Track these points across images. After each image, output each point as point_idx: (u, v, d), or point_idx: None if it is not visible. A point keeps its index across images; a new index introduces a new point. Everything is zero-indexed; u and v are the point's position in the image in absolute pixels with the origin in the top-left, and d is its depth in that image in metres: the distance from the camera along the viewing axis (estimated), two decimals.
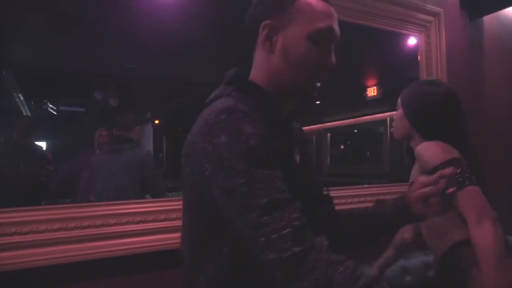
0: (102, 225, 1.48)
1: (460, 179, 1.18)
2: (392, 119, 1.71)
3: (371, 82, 4.10)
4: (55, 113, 2.74)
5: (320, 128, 3.98)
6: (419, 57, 2.73)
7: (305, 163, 0.97)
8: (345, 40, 2.62)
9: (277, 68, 0.88)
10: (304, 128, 3.17)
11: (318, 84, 0.90)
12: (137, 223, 1.56)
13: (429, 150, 1.30)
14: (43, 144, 2.33)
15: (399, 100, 1.50)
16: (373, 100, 4.02)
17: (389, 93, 3.82)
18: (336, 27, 0.90)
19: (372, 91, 4.04)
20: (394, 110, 1.56)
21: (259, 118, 0.80)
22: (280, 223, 0.68)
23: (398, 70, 3.26)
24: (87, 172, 2.09)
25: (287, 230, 0.67)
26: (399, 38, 2.72)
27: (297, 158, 0.93)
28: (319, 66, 0.87)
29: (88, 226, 1.46)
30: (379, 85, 4.02)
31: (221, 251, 0.79)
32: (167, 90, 2.96)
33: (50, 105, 2.73)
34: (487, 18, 3.21)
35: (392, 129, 1.55)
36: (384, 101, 3.95)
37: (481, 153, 2.09)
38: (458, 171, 1.18)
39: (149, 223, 1.59)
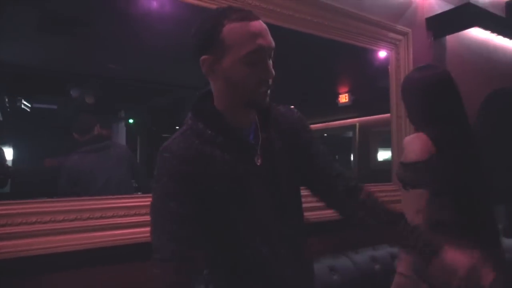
0: (108, 217, 1.61)
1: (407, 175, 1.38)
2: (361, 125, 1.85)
3: (343, 89, 4.30)
4: (28, 110, 2.74)
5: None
6: (389, 69, 2.98)
7: (270, 162, 1.04)
8: (323, 52, 2.79)
9: (225, 91, 1.00)
10: None
11: (266, 91, 0.98)
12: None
13: (411, 145, 1.41)
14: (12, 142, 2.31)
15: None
16: (345, 106, 4.17)
17: (359, 101, 4.02)
18: (265, 41, 0.95)
19: (344, 98, 4.22)
20: (364, 116, 1.72)
21: (206, 136, 0.97)
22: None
23: (370, 80, 3.48)
24: (71, 170, 2.12)
25: None
26: (373, 52, 2.96)
27: (258, 160, 1.01)
28: (259, 81, 0.96)
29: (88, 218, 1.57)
30: (350, 92, 4.23)
31: None
32: (145, 91, 2.95)
33: (24, 102, 2.73)
34: (449, 37, 3.51)
35: None
36: (355, 108, 4.13)
37: None
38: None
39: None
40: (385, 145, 3.41)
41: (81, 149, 2.13)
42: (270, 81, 0.98)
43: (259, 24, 0.95)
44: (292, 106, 1.21)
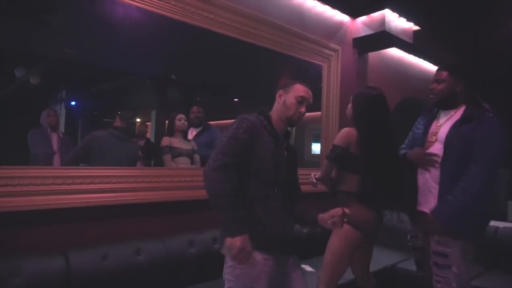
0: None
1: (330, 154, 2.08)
2: None
3: None
4: None
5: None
6: (322, 79, 3.70)
7: (290, 158, 1.77)
8: (274, 63, 3.34)
9: (280, 110, 1.77)
10: (219, 122, 3.49)
11: (297, 118, 1.76)
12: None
13: (342, 133, 2.11)
14: None
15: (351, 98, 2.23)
16: None
17: None
18: (307, 97, 1.78)
19: None
20: None
21: (263, 127, 1.68)
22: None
23: (306, 82, 4.09)
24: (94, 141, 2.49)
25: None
26: (311, 66, 3.63)
27: (285, 153, 1.75)
28: (296, 111, 1.75)
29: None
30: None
31: None
32: (91, 76, 2.94)
33: None
34: (371, 54, 4.33)
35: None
36: None
37: None
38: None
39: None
40: (318, 140, 3.96)
41: (110, 130, 2.59)
42: (301, 117, 1.78)
43: (309, 90, 1.82)
44: None
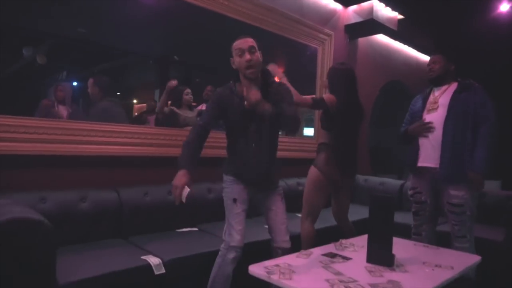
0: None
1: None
2: None
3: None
4: None
5: None
6: (317, 61, 4.21)
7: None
8: (269, 44, 3.77)
9: (240, 73, 1.99)
10: None
11: (247, 68, 1.91)
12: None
13: (327, 94, 2.55)
14: None
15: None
16: None
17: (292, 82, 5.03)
18: (243, 46, 1.90)
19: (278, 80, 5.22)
20: None
21: (231, 92, 2.00)
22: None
23: (303, 66, 4.53)
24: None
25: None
26: (308, 48, 4.14)
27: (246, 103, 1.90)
28: (242, 63, 1.92)
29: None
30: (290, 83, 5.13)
31: None
32: (93, 55, 2.89)
33: None
34: (361, 40, 4.84)
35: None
36: None
37: None
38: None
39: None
40: (310, 124, 4.43)
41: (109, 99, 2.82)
42: (251, 63, 1.91)
43: (245, 39, 1.95)
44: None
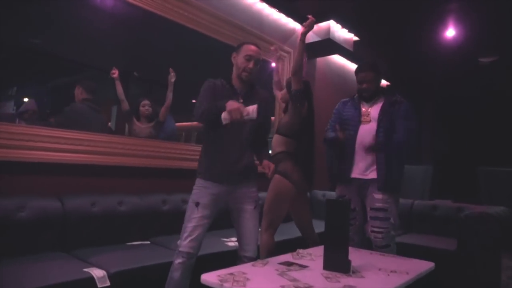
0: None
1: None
2: None
3: None
4: None
5: (189, 126, 4.04)
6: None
7: (246, 105, 1.85)
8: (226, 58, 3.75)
9: (235, 70, 2.08)
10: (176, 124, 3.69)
11: (246, 73, 2.04)
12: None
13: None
14: None
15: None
16: None
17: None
18: (254, 54, 2.04)
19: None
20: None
21: (222, 87, 2.04)
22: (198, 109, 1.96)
23: (264, 83, 4.57)
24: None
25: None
26: (268, 64, 4.16)
27: (240, 100, 1.97)
28: (245, 67, 2.03)
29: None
30: None
31: None
32: (50, 68, 2.69)
33: None
34: (319, 59, 4.99)
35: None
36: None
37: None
38: None
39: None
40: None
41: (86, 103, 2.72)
42: (252, 72, 2.04)
43: (256, 47, 2.08)
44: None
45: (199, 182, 2.05)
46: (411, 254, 2.26)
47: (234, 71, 2.10)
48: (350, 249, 1.81)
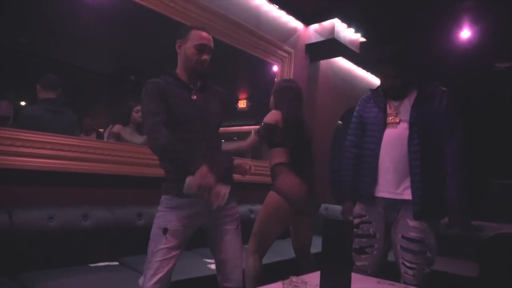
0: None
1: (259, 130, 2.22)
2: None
3: (242, 95, 4.70)
4: None
5: None
6: (277, 78, 3.92)
7: (202, 100, 1.68)
8: (227, 59, 3.48)
9: (183, 62, 1.70)
10: None
11: (200, 67, 1.68)
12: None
13: (270, 114, 2.25)
14: None
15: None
16: (242, 111, 4.60)
17: (255, 107, 4.47)
18: (208, 43, 1.69)
19: (242, 104, 4.66)
20: (259, 124, 2.42)
21: (169, 85, 1.64)
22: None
23: (263, 88, 4.24)
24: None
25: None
26: (266, 65, 3.85)
27: (194, 96, 1.68)
28: (198, 59, 1.67)
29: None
30: (248, 99, 4.66)
31: None
32: (50, 71, 2.55)
33: None
34: (323, 62, 4.65)
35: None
36: (251, 113, 4.52)
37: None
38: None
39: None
40: None
41: (41, 105, 2.36)
42: (205, 64, 1.70)
43: (208, 35, 1.72)
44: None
45: (165, 199, 1.63)
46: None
47: (182, 63, 1.72)
48: (354, 276, 1.43)
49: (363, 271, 2.06)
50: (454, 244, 3.11)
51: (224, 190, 1.45)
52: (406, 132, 1.96)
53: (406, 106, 2.02)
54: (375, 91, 2.19)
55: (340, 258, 1.42)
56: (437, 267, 2.69)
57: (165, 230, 1.55)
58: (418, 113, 1.96)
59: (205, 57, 1.68)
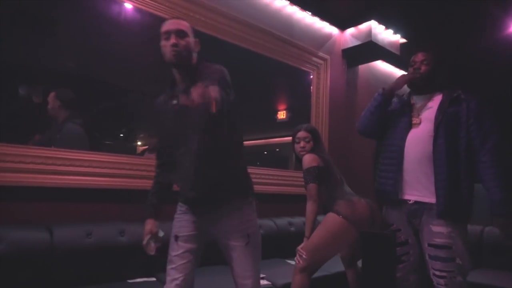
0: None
1: (308, 176, 2.15)
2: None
3: (281, 107, 4.54)
4: None
5: None
6: (311, 88, 3.82)
7: (184, 102, 1.36)
8: (264, 72, 3.40)
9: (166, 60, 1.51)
10: None
11: (172, 55, 1.46)
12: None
13: (307, 159, 2.24)
14: None
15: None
16: (282, 122, 4.42)
17: (294, 117, 4.29)
18: (171, 27, 1.47)
19: (282, 115, 4.45)
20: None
21: (166, 94, 1.59)
22: None
23: (301, 98, 4.17)
24: None
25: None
26: (302, 73, 3.77)
27: (174, 101, 1.53)
28: (168, 47, 1.46)
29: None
30: (287, 109, 4.81)
31: None
32: (94, 93, 2.63)
33: None
34: (361, 67, 4.49)
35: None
36: (291, 124, 4.25)
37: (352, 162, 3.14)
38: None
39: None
40: None
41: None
42: (178, 49, 1.46)
43: (172, 21, 1.52)
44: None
45: (178, 207, 1.63)
46: None
47: (173, 68, 1.56)
48: None
49: (405, 280, 1.95)
50: (493, 253, 2.86)
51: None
52: (431, 133, 1.91)
53: (430, 107, 1.99)
54: (401, 96, 2.16)
55: (381, 273, 1.30)
56: (495, 282, 2.48)
57: (176, 238, 1.56)
58: (444, 114, 1.91)
59: (173, 40, 1.46)
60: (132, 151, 2.77)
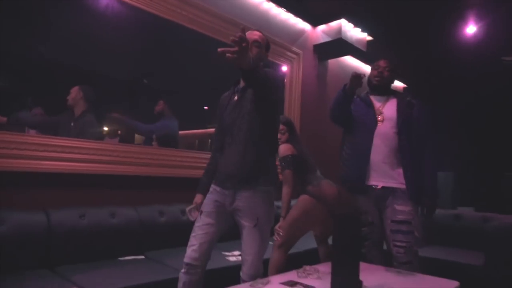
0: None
1: (283, 164, 2.39)
2: None
3: None
4: None
5: (205, 133, 3.91)
6: (287, 78, 4.05)
7: (240, 100, 1.83)
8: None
9: None
10: (189, 131, 3.54)
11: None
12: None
13: (283, 148, 2.46)
14: None
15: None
16: None
17: None
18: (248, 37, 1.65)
19: None
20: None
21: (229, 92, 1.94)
22: None
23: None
24: None
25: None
26: (276, 67, 3.97)
27: (235, 98, 1.86)
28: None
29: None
30: None
31: None
32: (67, 79, 2.58)
33: None
34: (331, 61, 4.76)
35: None
36: None
37: (321, 150, 3.39)
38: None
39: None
40: None
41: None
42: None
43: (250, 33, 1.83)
44: None
45: (211, 188, 1.92)
46: (433, 269, 2.02)
47: None
48: (363, 265, 1.58)
49: (368, 253, 2.30)
50: (462, 235, 3.23)
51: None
52: (394, 129, 2.23)
53: (389, 108, 2.30)
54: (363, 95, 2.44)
55: (350, 249, 1.56)
56: (444, 256, 2.84)
57: (201, 212, 1.86)
58: (403, 115, 2.25)
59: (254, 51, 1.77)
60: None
